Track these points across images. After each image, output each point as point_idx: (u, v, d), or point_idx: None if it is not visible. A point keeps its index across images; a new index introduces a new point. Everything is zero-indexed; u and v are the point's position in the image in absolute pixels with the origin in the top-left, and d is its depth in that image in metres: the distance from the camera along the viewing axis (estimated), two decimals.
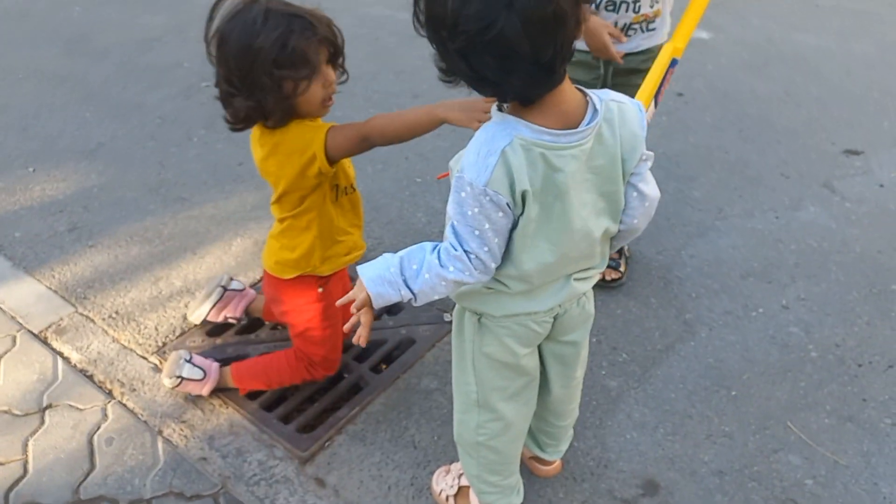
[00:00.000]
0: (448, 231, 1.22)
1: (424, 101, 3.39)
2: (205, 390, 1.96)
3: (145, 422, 1.94)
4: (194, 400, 1.98)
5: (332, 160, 1.60)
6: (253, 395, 2.00)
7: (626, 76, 2.08)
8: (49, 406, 1.99)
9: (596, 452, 1.90)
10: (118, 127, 3.21)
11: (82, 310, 2.28)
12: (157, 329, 2.22)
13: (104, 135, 3.16)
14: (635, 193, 1.31)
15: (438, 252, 1.23)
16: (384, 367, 2.12)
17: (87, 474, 1.82)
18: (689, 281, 2.42)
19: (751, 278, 2.44)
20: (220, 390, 1.99)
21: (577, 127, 1.16)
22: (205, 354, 2.06)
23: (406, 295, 1.27)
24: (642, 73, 2.03)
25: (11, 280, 2.40)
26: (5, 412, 1.97)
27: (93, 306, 2.30)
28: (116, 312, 2.28)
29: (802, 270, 2.47)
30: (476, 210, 1.17)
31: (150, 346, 2.16)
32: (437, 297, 1.28)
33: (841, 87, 3.54)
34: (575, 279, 1.36)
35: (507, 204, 1.17)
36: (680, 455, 1.89)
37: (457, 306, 1.44)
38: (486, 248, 1.20)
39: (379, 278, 1.26)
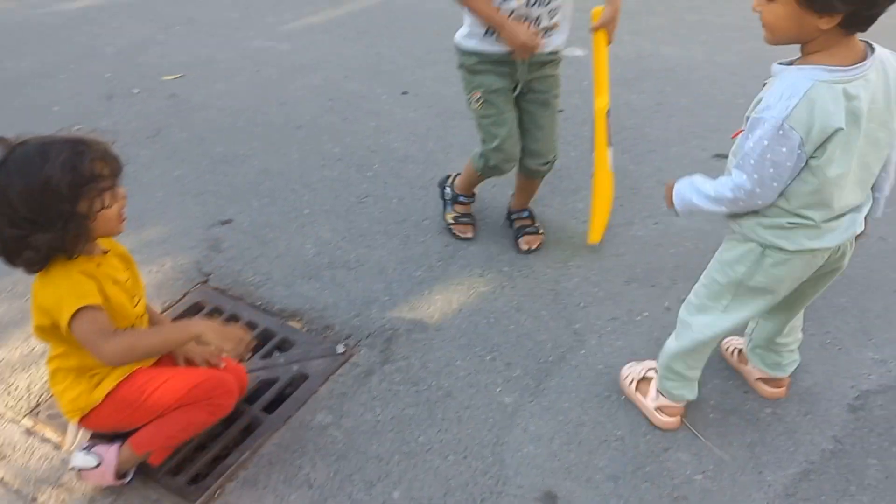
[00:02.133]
0: (736, 164, 1.52)
1: (308, 133, 3.38)
2: (108, 477, 1.77)
3: (17, 490, 1.82)
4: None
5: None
6: None
7: (539, 68, 2.36)
8: None
9: (494, 471, 1.90)
10: None
11: None
12: (28, 389, 2.09)
13: None
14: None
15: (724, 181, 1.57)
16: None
17: None
18: (577, 291, 2.48)
19: (634, 283, 2.52)
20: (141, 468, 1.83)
21: (856, 63, 1.41)
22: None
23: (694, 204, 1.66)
24: (551, 63, 2.39)
25: None
26: None
27: None
28: None
29: (682, 272, 2.57)
30: (766, 143, 1.42)
31: (21, 407, 2.03)
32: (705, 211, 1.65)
33: (708, 96, 3.75)
34: (850, 221, 1.60)
35: (799, 143, 1.40)
36: (576, 463, 1.92)
37: (736, 236, 1.69)
38: (762, 180, 1.47)
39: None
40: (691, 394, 1.98)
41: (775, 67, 1.50)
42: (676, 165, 3.17)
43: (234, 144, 3.22)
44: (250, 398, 2.07)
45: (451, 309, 2.40)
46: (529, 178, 2.63)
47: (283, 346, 2.26)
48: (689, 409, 2.06)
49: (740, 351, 2.16)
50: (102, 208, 1.55)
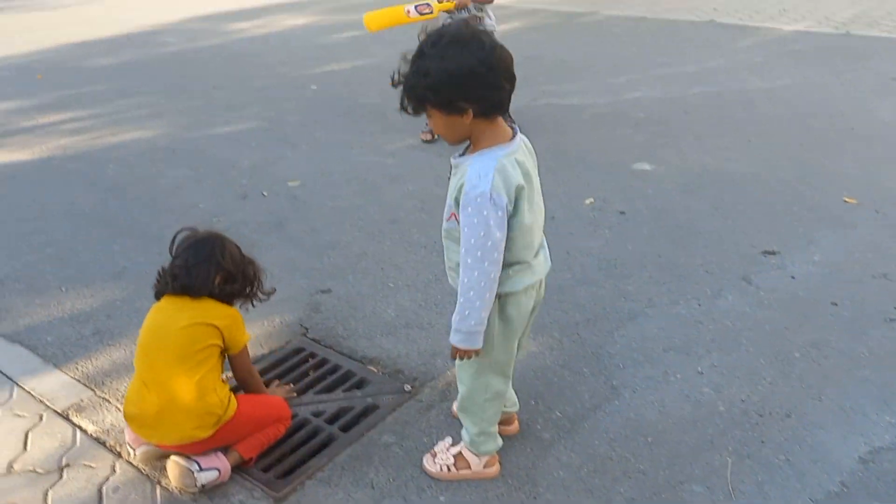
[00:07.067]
0: (462, 259, 1.82)
1: (400, 227, 3.96)
2: (226, 477, 2.23)
3: (146, 475, 2.31)
4: None
5: None
6: None
7: None
8: (67, 465, 2.36)
9: (527, 488, 2.22)
10: (140, 254, 3.76)
11: (100, 393, 2.70)
12: None
13: (129, 261, 3.70)
14: None
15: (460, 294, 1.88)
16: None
17: None
18: (619, 355, 2.81)
19: (672, 352, 2.82)
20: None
21: (512, 139, 1.85)
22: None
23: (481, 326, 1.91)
24: None
25: (42, 372, 2.84)
26: (30, 471, 2.34)
27: (109, 390, 2.72)
28: None
29: (718, 345, 2.86)
30: (485, 213, 1.75)
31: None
32: (476, 319, 1.89)
33: (764, 202, 4.07)
34: (544, 256, 2.03)
35: (505, 204, 1.77)
36: (599, 487, 2.21)
37: None
38: (498, 235, 1.78)
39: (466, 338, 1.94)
40: (498, 443, 2.26)
41: (454, 160, 1.89)
42: (725, 258, 3.49)
43: (339, 234, 3.84)
44: (332, 420, 2.51)
45: None
46: None
47: (360, 385, 2.70)
48: (708, 453, 2.32)
49: None
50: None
